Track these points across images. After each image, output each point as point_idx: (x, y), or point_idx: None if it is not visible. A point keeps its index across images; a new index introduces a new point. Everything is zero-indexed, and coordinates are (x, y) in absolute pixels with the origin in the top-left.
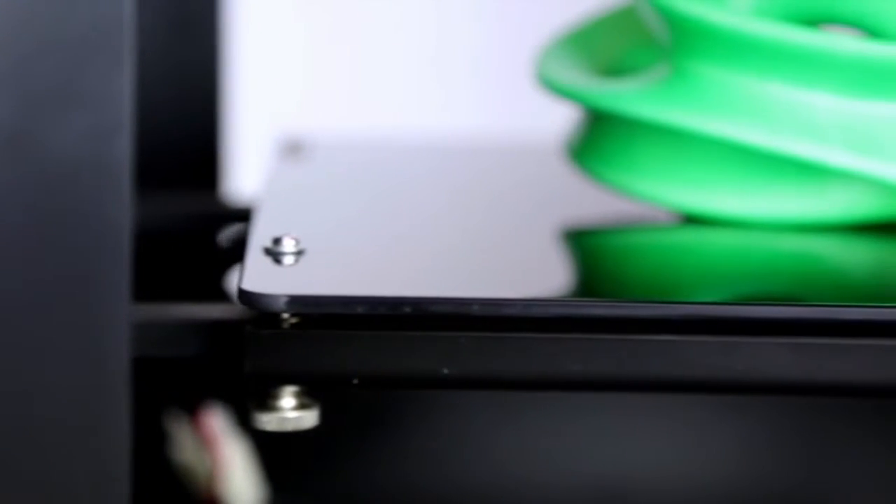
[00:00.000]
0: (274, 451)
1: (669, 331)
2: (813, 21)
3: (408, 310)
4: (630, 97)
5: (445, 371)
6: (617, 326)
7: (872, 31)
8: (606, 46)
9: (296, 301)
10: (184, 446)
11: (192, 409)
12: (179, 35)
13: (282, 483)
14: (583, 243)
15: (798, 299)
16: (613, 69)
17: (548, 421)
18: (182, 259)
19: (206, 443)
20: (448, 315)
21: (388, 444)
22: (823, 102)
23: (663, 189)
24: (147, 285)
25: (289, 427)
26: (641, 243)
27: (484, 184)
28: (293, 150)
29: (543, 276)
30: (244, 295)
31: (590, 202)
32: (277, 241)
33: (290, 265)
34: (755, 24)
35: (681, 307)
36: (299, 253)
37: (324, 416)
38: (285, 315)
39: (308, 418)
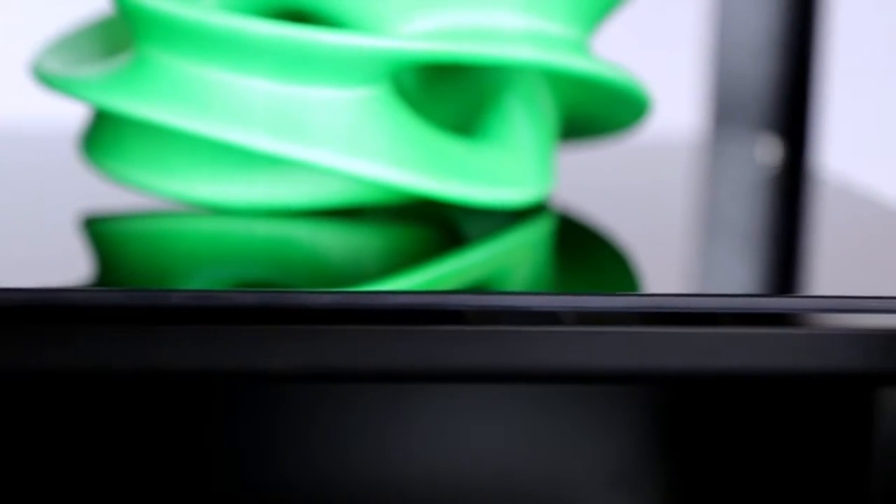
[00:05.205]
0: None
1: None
2: (288, 15)
3: None
4: (86, 84)
5: None
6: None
7: (335, 24)
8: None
9: None
10: None
11: None
12: None
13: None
14: (91, 232)
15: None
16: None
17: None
18: None
19: None
20: None
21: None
22: (258, 88)
23: (149, 177)
24: None
25: None
26: (127, 231)
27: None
28: None
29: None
30: None
31: (105, 192)
32: None
33: None
34: (181, 7)
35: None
36: None
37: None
38: None
39: None
